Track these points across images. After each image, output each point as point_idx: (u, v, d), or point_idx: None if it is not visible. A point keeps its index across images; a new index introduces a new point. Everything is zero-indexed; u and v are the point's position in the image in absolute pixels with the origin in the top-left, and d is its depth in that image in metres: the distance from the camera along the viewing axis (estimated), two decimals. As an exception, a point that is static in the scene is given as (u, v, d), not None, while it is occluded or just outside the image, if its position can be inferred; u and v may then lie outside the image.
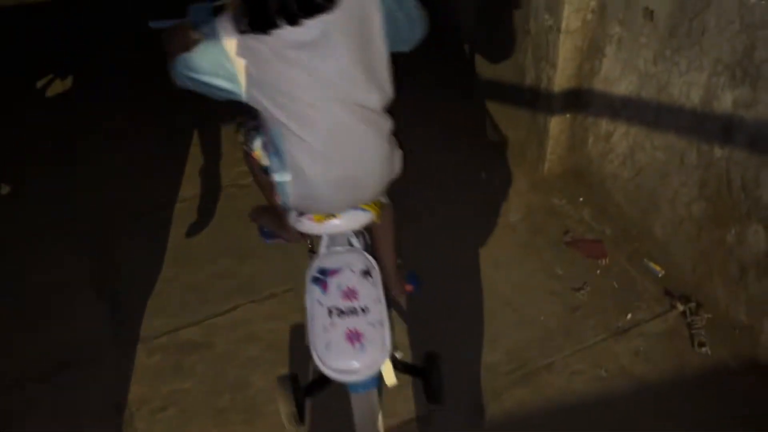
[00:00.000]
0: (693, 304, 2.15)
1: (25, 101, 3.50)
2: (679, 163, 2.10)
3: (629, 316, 2.18)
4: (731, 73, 1.81)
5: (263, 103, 1.52)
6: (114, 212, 2.75)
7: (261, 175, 1.95)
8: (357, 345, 1.50)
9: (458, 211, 2.64)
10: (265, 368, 2.09)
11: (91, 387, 2.09)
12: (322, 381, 1.78)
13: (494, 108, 2.96)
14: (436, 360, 1.79)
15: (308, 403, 1.72)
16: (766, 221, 1.84)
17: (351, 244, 1.80)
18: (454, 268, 2.42)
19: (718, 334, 2.08)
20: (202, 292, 2.37)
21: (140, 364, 2.15)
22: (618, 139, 2.35)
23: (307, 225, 1.77)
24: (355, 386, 1.57)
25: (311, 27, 1.43)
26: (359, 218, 1.77)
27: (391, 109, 1.65)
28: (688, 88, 1.98)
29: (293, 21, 1.42)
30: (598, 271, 2.34)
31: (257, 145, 1.88)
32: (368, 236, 1.96)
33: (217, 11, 1.63)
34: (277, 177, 1.69)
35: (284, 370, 2.08)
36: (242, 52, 1.45)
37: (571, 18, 2.29)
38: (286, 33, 1.43)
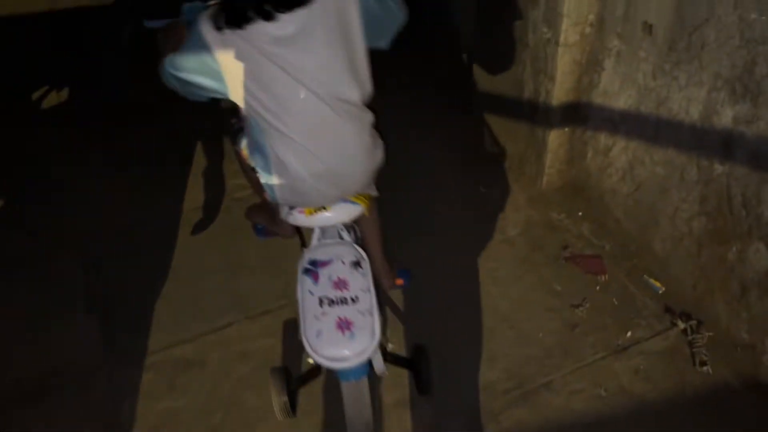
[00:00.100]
0: (694, 322, 2.11)
1: (19, 114, 3.48)
2: (679, 178, 2.07)
3: (629, 333, 2.15)
4: (731, 89, 1.79)
5: (246, 99, 1.55)
6: (106, 228, 2.72)
7: (250, 172, 1.95)
8: (347, 333, 1.55)
9: (456, 225, 2.62)
10: (258, 386, 2.05)
11: (83, 407, 2.06)
12: (314, 372, 1.86)
13: (493, 121, 2.94)
14: (425, 352, 1.87)
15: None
16: (767, 239, 1.82)
17: (342, 238, 1.84)
18: (452, 282, 2.39)
19: (719, 352, 2.05)
20: (195, 309, 2.34)
21: (133, 382, 2.11)
22: (617, 153, 2.33)
23: (299, 218, 1.81)
24: (346, 374, 1.61)
25: (289, 22, 1.46)
26: (349, 211, 1.82)
27: (372, 103, 1.69)
28: (687, 102, 1.95)
29: (268, 16, 1.45)
30: (598, 288, 2.31)
31: (244, 144, 1.90)
32: (359, 230, 2.00)
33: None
34: (262, 175, 1.73)
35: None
36: (225, 48, 1.48)
37: (569, 31, 2.27)
38: (266, 29, 1.46)
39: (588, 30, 2.26)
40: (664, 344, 2.12)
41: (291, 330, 2.22)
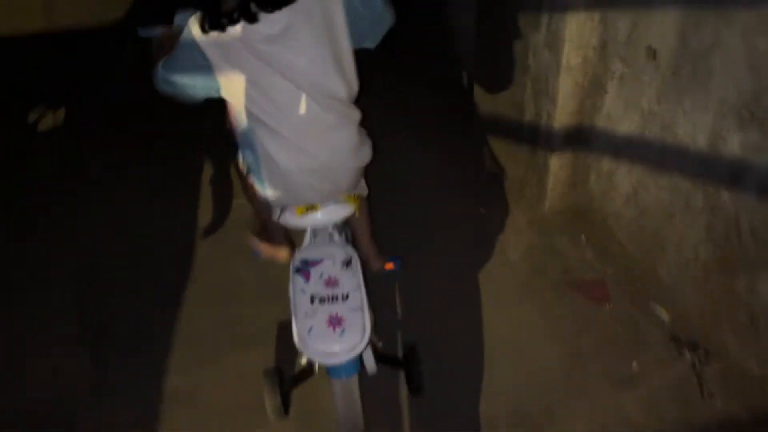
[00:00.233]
0: (702, 352, 2.06)
1: (15, 136, 3.43)
2: (684, 205, 2.03)
3: (634, 363, 2.10)
4: (738, 115, 1.75)
5: (237, 96, 1.59)
6: (99, 255, 2.67)
7: (246, 182, 1.98)
8: (338, 329, 1.58)
9: (456, 247, 2.58)
10: (253, 419, 2.00)
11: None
12: (306, 372, 1.90)
13: (493, 142, 2.91)
14: (416, 352, 1.93)
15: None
16: (777, 269, 1.77)
17: (333, 239, 1.89)
18: (451, 305, 2.35)
19: (728, 384, 1.99)
20: (188, 339, 2.28)
21: (123, 416, 2.05)
22: (621, 177, 2.28)
23: (290, 219, 1.86)
24: (337, 372, 1.64)
25: (277, 20, 1.50)
26: (340, 211, 1.87)
27: (359, 101, 1.73)
28: (693, 129, 1.91)
29: (252, 18, 1.49)
30: (601, 315, 2.26)
31: (242, 158, 1.91)
32: (349, 232, 2.04)
33: None
34: (253, 173, 1.77)
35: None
36: (216, 48, 1.53)
37: (571, 55, 2.23)
38: (256, 27, 1.50)
39: (590, 54, 2.22)
40: (671, 375, 2.06)
41: (284, 331, 2.18)
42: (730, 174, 1.83)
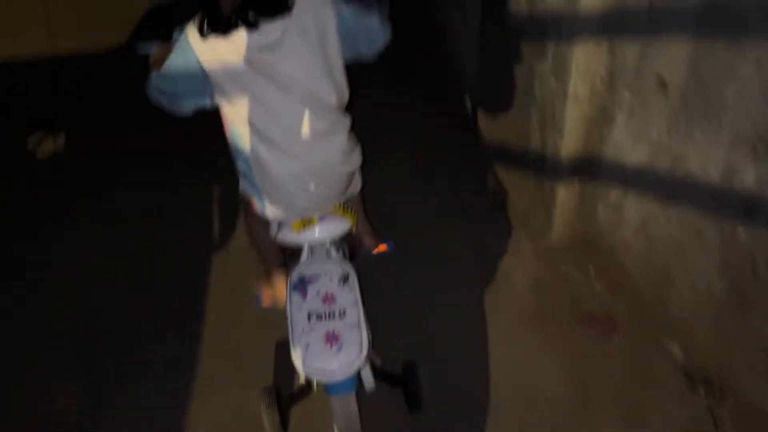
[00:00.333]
0: (715, 389, 2.00)
1: (14, 162, 3.39)
2: (697, 239, 1.97)
3: (646, 400, 2.03)
4: (753, 148, 1.70)
5: (230, 103, 1.64)
6: (96, 285, 2.62)
7: (246, 211, 2.01)
8: (335, 346, 1.57)
9: (461, 277, 2.52)
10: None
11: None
12: (305, 390, 1.91)
13: (497, 168, 2.86)
14: (415, 369, 1.94)
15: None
16: (794, 306, 1.72)
17: (329, 256, 1.89)
18: (457, 338, 2.29)
19: (744, 423, 1.92)
20: (186, 372, 2.23)
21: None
22: (630, 209, 2.24)
23: (288, 236, 1.87)
24: (335, 389, 1.64)
25: (272, 30, 1.56)
26: (337, 226, 1.88)
27: (350, 108, 1.80)
28: (705, 161, 1.87)
29: (251, 24, 1.54)
30: (611, 349, 2.20)
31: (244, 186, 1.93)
32: (346, 248, 2.03)
33: None
34: (246, 181, 1.81)
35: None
36: (210, 54, 1.57)
37: (578, 84, 2.20)
38: (251, 36, 1.55)
39: (598, 83, 2.19)
40: (684, 413, 2.00)
41: (282, 349, 2.14)
42: (744, 208, 1.78)
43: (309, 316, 1.63)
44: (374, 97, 3.38)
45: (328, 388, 1.65)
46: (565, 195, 2.46)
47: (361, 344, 1.59)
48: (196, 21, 1.57)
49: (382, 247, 2.26)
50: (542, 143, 2.44)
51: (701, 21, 1.75)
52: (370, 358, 1.75)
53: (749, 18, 1.60)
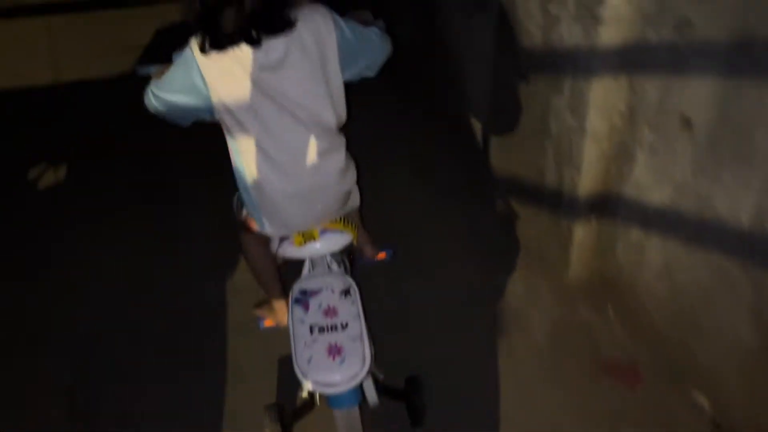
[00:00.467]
0: (748, 446, 1.87)
1: (15, 193, 3.32)
2: (725, 285, 1.86)
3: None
4: (787, 194, 1.60)
5: (230, 119, 1.63)
6: (95, 322, 2.53)
7: (242, 228, 2.01)
8: (337, 359, 1.58)
9: (472, 321, 2.41)
10: None
11: None
12: (308, 406, 1.91)
13: (511, 203, 2.75)
14: (418, 383, 1.95)
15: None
16: (835, 364, 1.59)
17: (330, 269, 1.90)
18: (469, 387, 2.18)
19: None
20: (185, 420, 2.14)
21: None
22: (652, 250, 2.12)
23: (289, 250, 1.88)
24: (338, 401, 1.65)
25: (274, 50, 1.56)
26: (338, 241, 1.88)
27: (347, 127, 1.80)
28: (734, 205, 1.76)
29: (254, 41, 1.54)
30: (634, 400, 2.07)
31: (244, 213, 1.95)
32: (347, 261, 2.05)
33: None
34: (243, 197, 1.82)
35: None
36: (212, 69, 1.57)
37: (596, 120, 2.10)
38: (253, 54, 1.56)
39: (617, 119, 2.09)
40: (714, 469, 1.88)
41: (284, 365, 2.17)
42: (778, 256, 1.67)
43: (311, 329, 1.65)
44: (378, 124, 3.32)
45: (331, 401, 1.66)
46: (582, 233, 2.35)
47: (363, 356, 1.60)
48: (198, 37, 1.57)
49: (382, 255, 2.34)
50: (558, 179, 2.34)
51: (731, 59, 1.64)
52: (372, 373, 1.75)
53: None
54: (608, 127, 2.11)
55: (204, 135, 2.00)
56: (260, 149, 1.67)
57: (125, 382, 2.30)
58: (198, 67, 1.58)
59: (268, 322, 2.25)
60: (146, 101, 1.73)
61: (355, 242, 1.95)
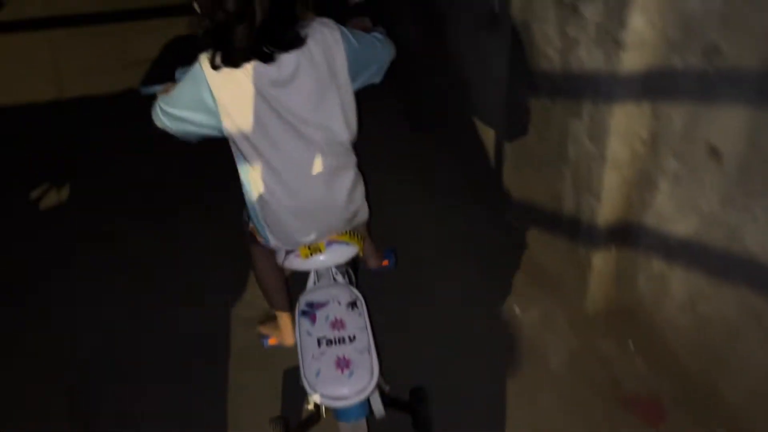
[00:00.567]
0: (779, 491, 1.79)
1: (16, 215, 3.25)
2: (754, 322, 1.78)
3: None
4: (823, 231, 1.52)
5: (239, 135, 1.61)
6: (94, 352, 2.47)
7: (250, 243, 2.01)
8: (346, 371, 1.58)
9: (487, 351, 2.33)
10: None
11: None
12: (313, 418, 1.89)
13: (527, 231, 2.68)
14: (424, 394, 1.94)
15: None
16: None
17: (335, 280, 1.90)
18: (483, 421, 2.11)
19: None
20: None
21: None
22: (675, 282, 2.04)
23: (295, 262, 1.87)
24: (346, 414, 1.63)
25: (286, 65, 1.55)
26: (344, 252, 1.87)
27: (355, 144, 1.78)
28: (765, 238, 1.68)
29: (267, 57, 1.53)
30: (658, 438, 2.00)
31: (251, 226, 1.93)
32: (352, 272, 2.04)
33: None
34: (249, 211, 1.81)
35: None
36: (221, 86, 1.56)
37: (617, 147, 2.03)
38: (265, 70, 1.54)
39: (639, 146, 2.01)
40: None
41: (290, 378, 2.18)
42: (813, 295, 1.59)
43: (319, 342, 1.64)
44: (387, 145, 3.25)
45: (338, 414, 1.64)
46: (601, 261, 2.27)
47: (371, 369, 1.60)
48: (208, 53, 1.55)
49: (384, 263, 2.37)
50: (576, 206, 2.26)
51: (763, 87, 1.57)
52: (378, 384, 1.74)
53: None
54: (629, 154, 2.04)
55: (211, 152, 1.97)
56: (268, 166, 1.66)
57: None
58: (207, 83, 1.56)
59: (272, 341, 2.27)
60: (154, 118, 1.71)
61: (360, 254, 1.94)
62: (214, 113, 1.60)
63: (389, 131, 3.37)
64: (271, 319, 2.34)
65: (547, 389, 2.18)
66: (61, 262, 2.90)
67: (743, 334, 1.83)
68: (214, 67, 1.54)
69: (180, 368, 2.36)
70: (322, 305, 1.75)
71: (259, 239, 1.89)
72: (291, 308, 2.11)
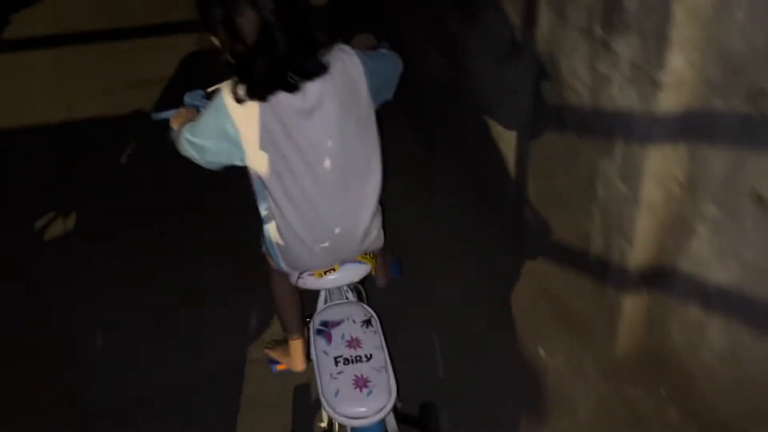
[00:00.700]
0: None
1: (19, 245, 3.15)
2: (802, 379, 1.68)
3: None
4: None
5: (262, 167, 1.60)
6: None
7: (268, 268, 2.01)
8: (365, 390, 1.59)
9: (510, 400, 2.24)
10: None
11: None
12: None
13: (552, 270, 2.57)
14: (432, 410, 1.96)
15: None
16: None
17: (347, 298, 1.90)
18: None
19: None
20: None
21: None
22: (713, 331, 1.94)
23: (308, 281, 1.86)
24: None
25: (310, 95, 1.54)
26: (358, 271, 1.87)
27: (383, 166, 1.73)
28: (815, 293, 1.59)
29: (291, 87, 1.51)
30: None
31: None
32: (362, 289, 2.03)
33: (209, 95, 1.78)
34: (265, 238, 1.81)
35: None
36: (245, 118, 1.54)
37: (651, 189, 1.93)
38: (288, 100, 1.53)
39: (675, 189, 1.92)
40: None
41: (301, 396, 2.21)
42: None
43: (336, 361, 1.65)
44: (406, 177, 3.15)
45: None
46: (631, 306, 2.17)
47: (390, 387, 1.61)
48: (230, 85, 1.54)
49: (388, 277, 2.36)
50: (606, 247, 2.17)
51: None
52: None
53: None
54: (664, 197, 1.94)
55: (226, 179, 1.92)
56: (286, 197, 1.65)
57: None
58: (230, 116, 1.55)
59: (281, 366, 2.25)
60: (180, 148, 1.72)
61: (372, 272, 1.94)
62: (236, 143, 1.59)
63: (397, 149, 3.27)
64: (279, 343, 2.30)
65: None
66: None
67: (788, 390, 1.74)
68: (238, 100, 1.53)
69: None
70: (336, 324, 1.75)
71: (271, 263, 1.90)
72: (303, 332, 2.12)
